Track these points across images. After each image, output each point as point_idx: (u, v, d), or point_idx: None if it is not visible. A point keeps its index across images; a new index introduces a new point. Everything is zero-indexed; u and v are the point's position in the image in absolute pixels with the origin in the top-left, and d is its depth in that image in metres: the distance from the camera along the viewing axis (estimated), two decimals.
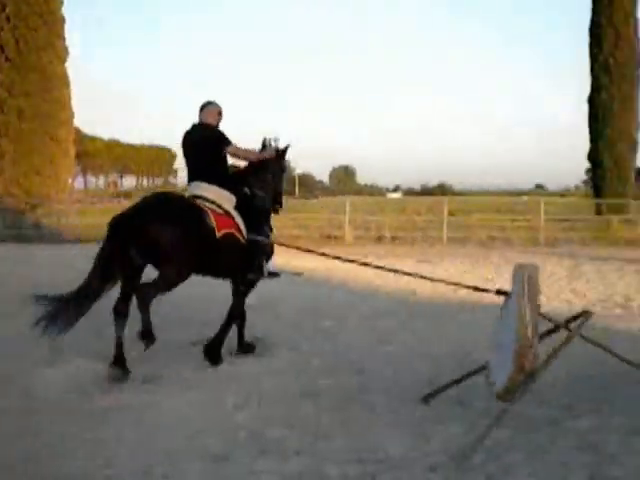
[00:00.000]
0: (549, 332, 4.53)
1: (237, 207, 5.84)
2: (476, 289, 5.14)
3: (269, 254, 6.12)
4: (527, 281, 4.04)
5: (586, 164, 26.16)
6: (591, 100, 24.63)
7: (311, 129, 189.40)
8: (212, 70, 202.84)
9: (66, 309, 5.28)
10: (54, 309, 5.26)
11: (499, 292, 4.58)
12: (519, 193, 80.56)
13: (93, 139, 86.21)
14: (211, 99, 6.14)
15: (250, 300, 6.36)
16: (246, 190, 6.06)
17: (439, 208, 22.46)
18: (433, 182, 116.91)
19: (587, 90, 24.89)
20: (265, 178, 6.20)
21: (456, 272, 12.90)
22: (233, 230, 5.69)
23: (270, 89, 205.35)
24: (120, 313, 5.32)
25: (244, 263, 5.87)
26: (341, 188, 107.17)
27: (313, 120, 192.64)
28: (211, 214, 5.56)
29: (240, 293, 6.07)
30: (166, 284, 5.28)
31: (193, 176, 5.93)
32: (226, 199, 5.79)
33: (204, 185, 5.78)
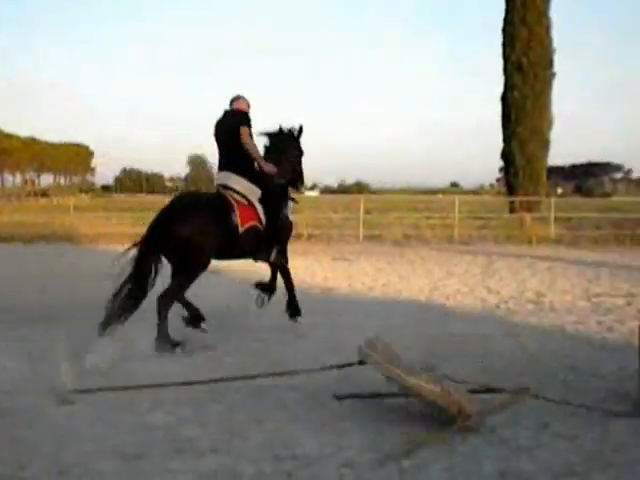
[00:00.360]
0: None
1: (264, 198, 6.29)
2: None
3: (286, 237, 6.73)
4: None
5: (500, 162, 26.82)
6: (504, 99, 25.08)
7: None
8: (131, 65, 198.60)
9: (119, 311, 5.90)
10: (110, 313, 5.85)
11: (361, 362, 4.50)
12: (434, 191, 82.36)
13: (10, 137, 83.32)
14: (240, 93, 6.52)
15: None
16: (278, 181, 6.46)
17: (356, 206, 22.63)
18: (350, 180, 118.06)
19: (500, 89, 25.43)
20: (283, 165, 6.52)
21: (372, 270, 12.96)
22: (255, 222, 6.18)
23: (200, 84, 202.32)
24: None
25: (259, 247, 6.38)
26: None
27: None
28: (237, 208, 6.06)
29: (279, 274, 6.93)
30: (189, 281, 6.02)
31: (223, 164, 6.32)
32: (252, 192, 6.19)
33: (233, 176, 6.17)
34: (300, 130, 6.72)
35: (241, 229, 6.05)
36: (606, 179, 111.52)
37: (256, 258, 6.60)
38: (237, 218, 6.03)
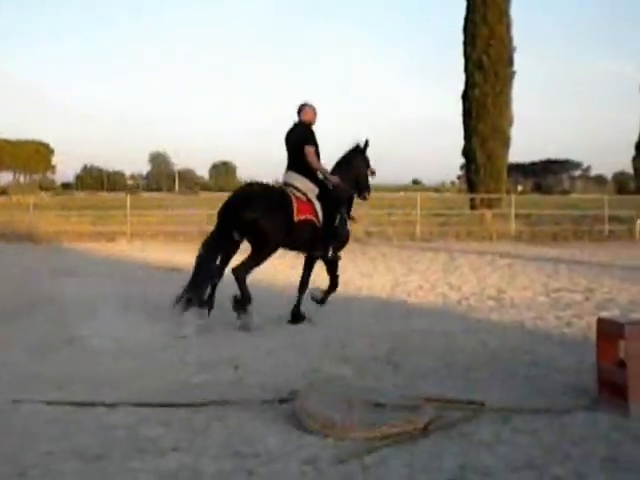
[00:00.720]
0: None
1: (319, 197, 7.04)
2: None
3: (345, 239, 7.46)
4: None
5: (461, 160, 27.04)
6: (465, 97, 25.28)
7: (192, 123, 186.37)
8: (92, 63, 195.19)
9: (194, 288, 6.71)
10: (187, 291, 6.69)
11: (281, 401, 4.49)
12: (397, 188, 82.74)
13: None
14: (307, 101, 7.36)
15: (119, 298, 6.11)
16: (327, 184, 7.21)
17: None
18: None
19: (462, 87, 25.63)
20: (347, 174, 7.36)
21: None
22: (311, 216, 6.94)
23: (159, 83, 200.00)
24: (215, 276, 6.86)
25: (315, 242, 7.10)
26: (221, 184, 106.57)
27: (195, 114, 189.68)
28: (295, 201, 6.86)
29: (308, 267, 7.48)
30: (260, 258, 6.83)
31: (289, 166, 7.20)
32: (310, 189, 7.02)
33: (295, 175, 7.06)
34: (366, 144, 7.57)
35: (296, 218, 6.82)
36: (565, 176, 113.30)
37: (313, 253, 7.33)
38: (293, 209, 6.81)
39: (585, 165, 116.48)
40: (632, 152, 25.22)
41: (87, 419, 4.25)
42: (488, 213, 22.34)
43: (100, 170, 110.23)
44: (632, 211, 21.45)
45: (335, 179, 7.22)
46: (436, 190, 75.88)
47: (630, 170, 28.06)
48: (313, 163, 7.08)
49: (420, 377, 5.19)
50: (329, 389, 4.53)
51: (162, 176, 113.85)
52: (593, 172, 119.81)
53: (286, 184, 7.11)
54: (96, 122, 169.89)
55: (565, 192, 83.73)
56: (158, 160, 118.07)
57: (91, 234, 20.40)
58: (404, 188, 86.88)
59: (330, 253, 7.26)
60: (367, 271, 12.19)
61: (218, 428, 4.10)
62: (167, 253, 15.73)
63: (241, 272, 6.69)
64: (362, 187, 7.58)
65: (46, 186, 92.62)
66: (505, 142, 25.06)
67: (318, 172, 7.19)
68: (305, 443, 3.83)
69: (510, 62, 24.99)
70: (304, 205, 6.95)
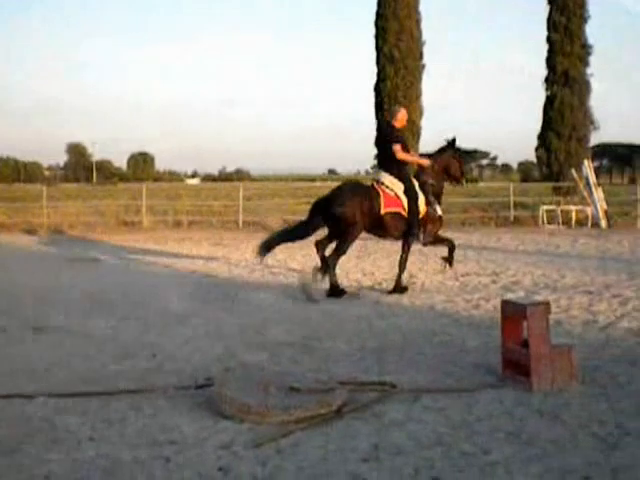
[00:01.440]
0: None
1: (406, 190, 8.07)
2: None
3: (436, 227, 8.54)
4: None
5: (374, 150, 27.45)
6: (377, 89, 25.84)
7: (112, 113, 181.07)
8: (4, 52, 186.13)
9: (277, 238, 8.42)
10: (270, 238, 8.34)
11: (197, 387, 4.53)
12: (313, 178, 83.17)
13: None
14: (398, 106, 8.90)
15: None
16: (413, 179, 8.30)
17: (235, 193, 22.55)
18: (231, 168, 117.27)
19: (374, 80, 26.14)
20: (437, 168, 8.48)
21: (251, 255, 12.97)
22: (399, 209, 8.04)
23: (74, 71, 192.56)
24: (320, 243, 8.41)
25: (405, 230, 8.19)
26: (139, 174, 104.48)
27: (116, 104, 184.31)
28: (383, 196, 7.98)
29: (406, 250, 8.43)
30: (345, 246, 8.12)
31: (379, 165, 8.67)
32: (397, 185, 8.06)
33: (384, 173, 8.20)
34: (453, 140, 8.74)
35: (383, 211, 7.95)
36: (473, 165, 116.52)
37: (408, 239, 8.36)
38: (380, 203, 7.92)
39: (492, 154, 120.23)
40: (535, 142, 26.05)
41: (4, 411, 4.17)
42: None
43: (16, 161, 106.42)
44: (536, 198, 22.34)
45: (426, 161, 8.50)
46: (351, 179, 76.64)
47: (534, 159, 29.05)
48: (403, 158, 8.25)
49: (334, 361, 5.29)
50: (244, 374, 4.57)
51: (79, 167, 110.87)
52: (500, 161, 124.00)
53: (377, 181, 8.23)
54: (12, 113, 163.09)
55: (473, 180, 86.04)
56: (75, 151, 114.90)
57: (8, 225, 19.76)
58: (320, 177, 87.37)
59: (422, 238, 8.36)
60: (283, 258, 12.24)
61: (134, 416, 4.08)
62: (86, 244, 15.48)
63: (332, 259, 8.10)
64: (455, 175, 8.69)
65: None
66: (415, 133, 25.67)
67: (411, 161, 8.47)
68: (221, 428, 3.87)
69: (420, 56, 25.75)
70: (391, 199, 8.03)
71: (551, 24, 25.93)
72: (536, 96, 26.59)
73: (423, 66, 25.87)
